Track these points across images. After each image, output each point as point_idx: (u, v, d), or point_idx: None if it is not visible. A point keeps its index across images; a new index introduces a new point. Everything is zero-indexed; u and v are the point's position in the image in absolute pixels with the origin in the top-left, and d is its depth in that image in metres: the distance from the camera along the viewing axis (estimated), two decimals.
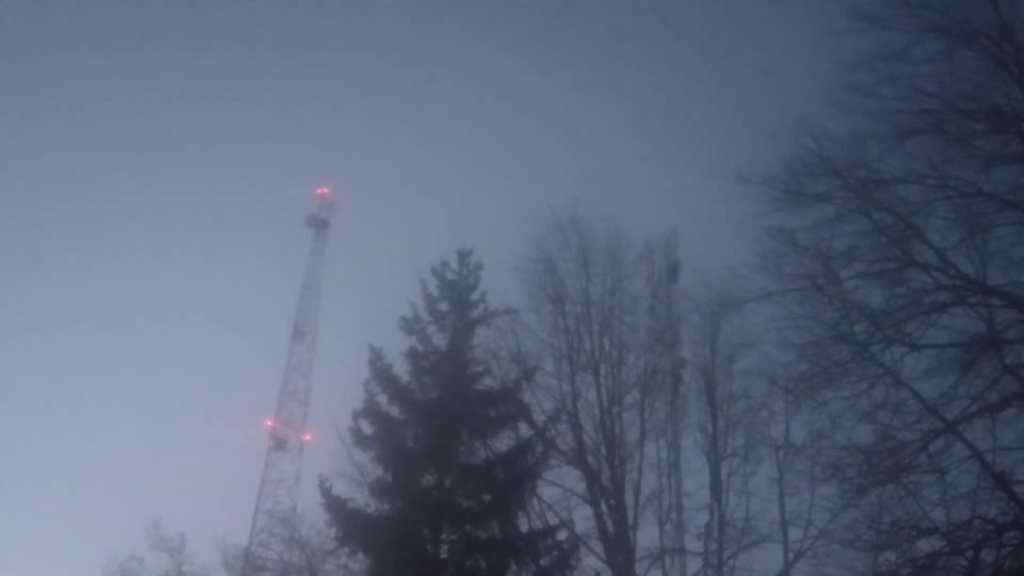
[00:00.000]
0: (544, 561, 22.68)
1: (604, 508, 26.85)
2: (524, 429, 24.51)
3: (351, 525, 22.31)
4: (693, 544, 27.89)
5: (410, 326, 24.04)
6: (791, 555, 26.29)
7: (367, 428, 23.12)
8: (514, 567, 22.37)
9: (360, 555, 23.00)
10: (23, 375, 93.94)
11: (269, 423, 55.65)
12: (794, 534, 26.27)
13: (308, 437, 55.11)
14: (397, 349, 23.87)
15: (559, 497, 26.93)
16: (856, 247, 19.37)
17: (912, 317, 18.57)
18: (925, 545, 17.63)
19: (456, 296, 24.42)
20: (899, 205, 19.01)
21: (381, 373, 23.56)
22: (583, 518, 26.64)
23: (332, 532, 23.50)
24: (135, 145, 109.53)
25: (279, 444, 54.88)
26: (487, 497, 22.54)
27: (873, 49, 18.80)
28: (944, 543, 17.30)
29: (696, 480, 28.40)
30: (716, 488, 27.62)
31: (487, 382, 24.32)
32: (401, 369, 23.72)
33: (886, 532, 18.28)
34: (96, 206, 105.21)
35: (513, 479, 22.83)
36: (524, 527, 23.95)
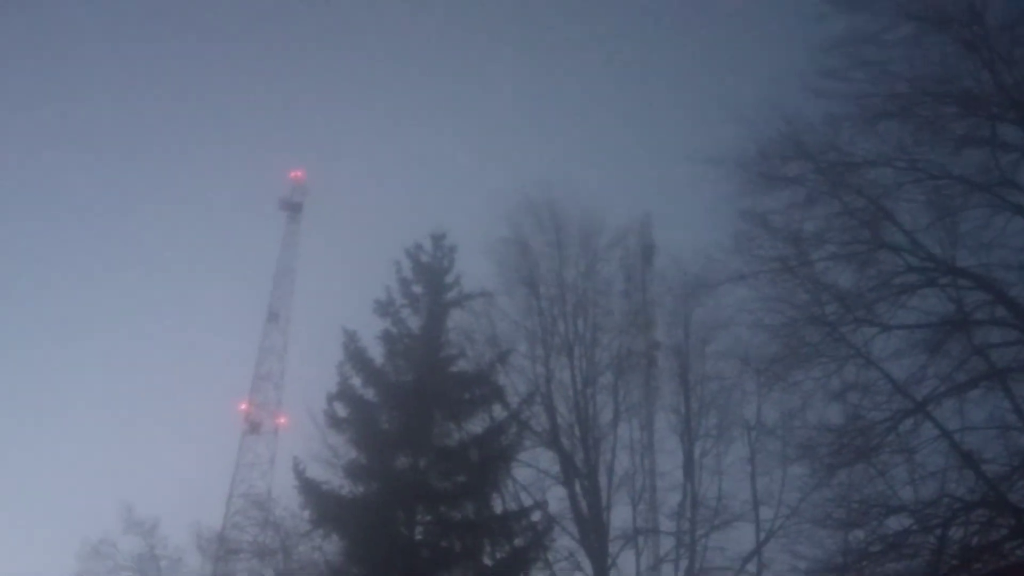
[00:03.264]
0: (518, 542, 22.77)
1: (578, 489, 27.04)
2: (498, 411, 24.49)
3: (325, 507, 22.26)
4: (666, 524, 28.23)
5: (384, 309, 23.93)
6: (763, 534, 26.69)
7: (341, 411, 23.03)
8: (488, 548, 22.44)
9: (334, 537, 22.94)
10: None
11: (243, 406, 55.36)
12: (765, 513, 26.68)
13: (282, 420, 54.84)
14: (371, 332, 23.75)
15: (533, 478, 27.15)
16: (828, 229, 19.56)
17: (882, 298, 18.76)
18: (894, 523, 17.92)
19: (430, 279, 24.32)
20: (870, 188, 19.19)
21: (355, 356, 23.46)
22: (557, 499, 26.87)
23: (306, 514, 23.42)
24: (104, 132, 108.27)
25: (253, 427, 54.61)
26: (461, 479, 22.55)
27: (846, 33, 18.94)
28: (913, 521, 17.56)
29: (669, 460, 28.68)
30: (689, 468, 27.88)
31: (461, 364, 24.27)
32: (375, 352, 23.62)
33: (856, 510, 18.53)
34: (67, 190, 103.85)
35: (487, 460, 22.85)
36: (499, 508, 24.07)
